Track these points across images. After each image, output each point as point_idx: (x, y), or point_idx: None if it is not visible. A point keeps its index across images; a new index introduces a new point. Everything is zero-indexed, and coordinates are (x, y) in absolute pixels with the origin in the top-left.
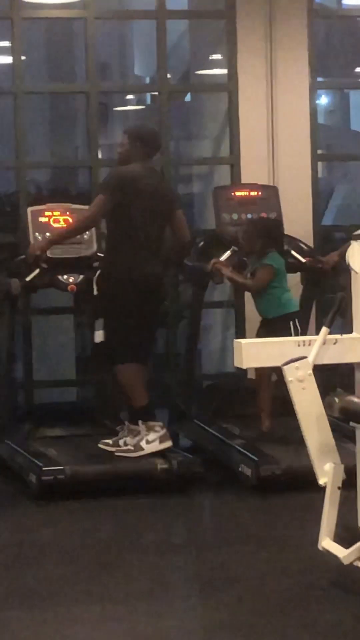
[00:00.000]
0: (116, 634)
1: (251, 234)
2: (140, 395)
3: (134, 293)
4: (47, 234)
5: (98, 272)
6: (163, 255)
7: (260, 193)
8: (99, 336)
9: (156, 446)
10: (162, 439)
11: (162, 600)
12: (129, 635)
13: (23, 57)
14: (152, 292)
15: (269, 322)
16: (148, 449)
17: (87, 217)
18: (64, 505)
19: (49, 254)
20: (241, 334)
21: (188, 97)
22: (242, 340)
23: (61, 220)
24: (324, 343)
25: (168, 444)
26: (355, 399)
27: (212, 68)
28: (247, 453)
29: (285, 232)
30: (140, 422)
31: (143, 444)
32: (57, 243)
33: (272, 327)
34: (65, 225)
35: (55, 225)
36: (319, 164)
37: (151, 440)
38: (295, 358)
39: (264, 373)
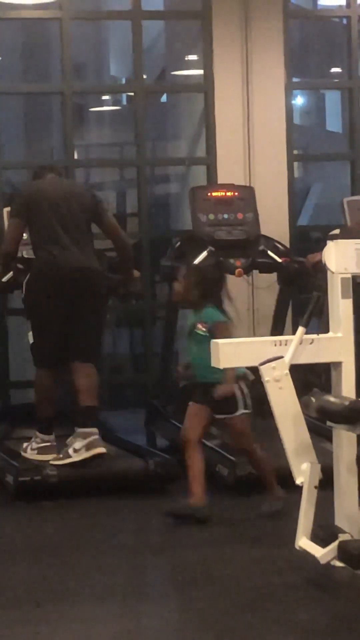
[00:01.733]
0: (89, 633)
1: (188, 282)
2: (43, 408)
3: (47, 289)
4: None
5: (28, 275)
6: (89, 252)
7: (236, 193)
8: (30, 337)
9: (33, 455)
10: (40, 451)
11: (136, 599)
12: (102, 634)
13: None
14: (68, 286)
15: (205, 387)
16: (29, 454)
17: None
18: (41, 506)
19: (25, 254)
20: None
21: (164, 98)
22: (220, 341)
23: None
24: (301, 343)
25: (47, 457)
26: (332, 399)
27: (188, 69)
28: (224, 453)
29: (262, 232)
30: (37, 432)
31: (29, 449)
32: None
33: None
34: None
35: None
36: (295, 164)
37: (34, 448)
38: (272, 358)
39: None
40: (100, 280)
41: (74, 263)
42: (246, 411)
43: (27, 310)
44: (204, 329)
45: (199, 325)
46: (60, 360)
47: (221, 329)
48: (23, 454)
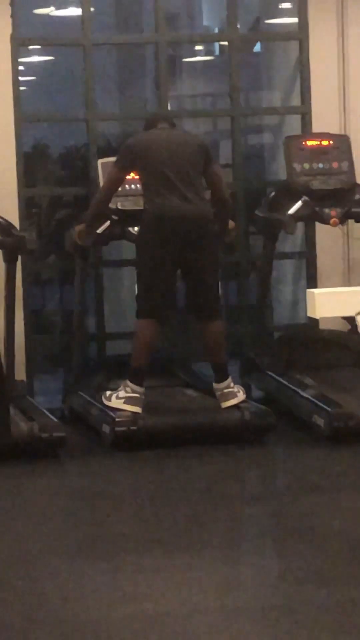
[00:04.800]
0: (190, 582)
1: None
2: (140, 357)
3: (160, 238)
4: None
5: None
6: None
7: (331, 142)
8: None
9: (119, 404)
10: (127, 401)
11: (236, 549)
12: (202, 584)
13: (92, 9)
14: (182, 235)
15: None
16: (114, 403)
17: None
18: (137, 455)
19: (119, 205)
20: (313, 284)
21: (257, 47)
22: (315, 290)
23: (131, 173)
24: None
25: (133, 408)
26: None
27: (282, 17)
28: (320, 404)
29: (358, 181)
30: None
31: (114, 397)
32: (94, 223)
33: None
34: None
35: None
36: None
37: (120, 397)
38: None
39: None
40: (213, 228)
41: (188, 212)
42: None
43: (138, 259)
44: None
45: None
46: (165, 312)
47: None
48: (106, 402)
